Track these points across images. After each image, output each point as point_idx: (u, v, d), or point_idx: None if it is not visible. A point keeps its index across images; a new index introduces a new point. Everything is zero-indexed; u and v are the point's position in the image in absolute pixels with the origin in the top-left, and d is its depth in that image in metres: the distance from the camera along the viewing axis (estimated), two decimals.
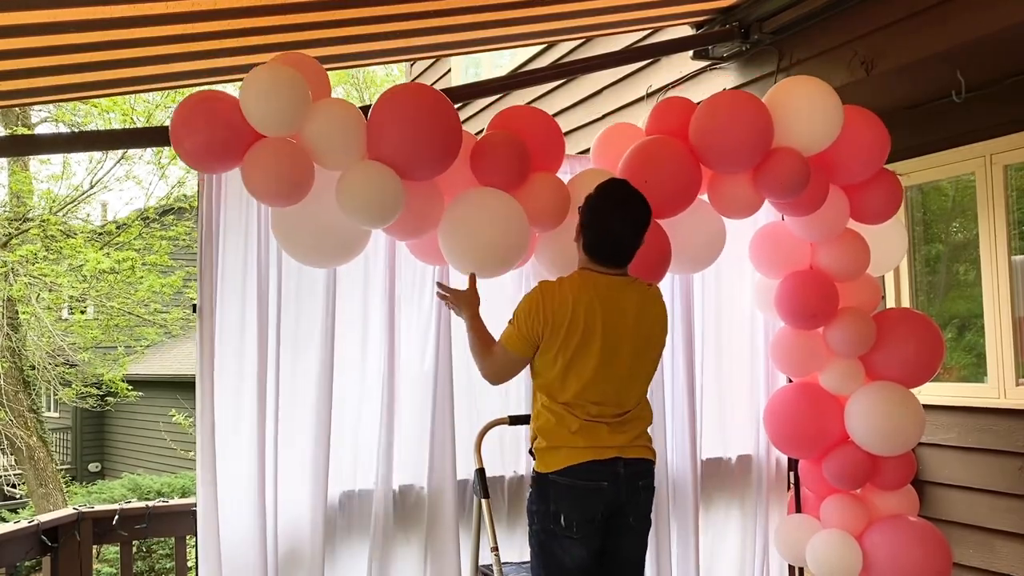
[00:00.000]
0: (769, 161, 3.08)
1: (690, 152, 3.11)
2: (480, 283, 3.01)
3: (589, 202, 2.74)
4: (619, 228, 2.71)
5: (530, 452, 2.78)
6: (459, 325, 3.26)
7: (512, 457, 3.47)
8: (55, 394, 14.19)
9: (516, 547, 3.38)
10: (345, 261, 2.98)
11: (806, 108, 3.12)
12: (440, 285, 3.05)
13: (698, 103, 3.19)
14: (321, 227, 2.81)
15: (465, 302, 2.94)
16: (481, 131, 3.08)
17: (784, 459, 3.85)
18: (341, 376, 3.16)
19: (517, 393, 3.43)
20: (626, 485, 2.68)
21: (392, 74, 18.82)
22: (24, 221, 12.26)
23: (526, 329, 2.68)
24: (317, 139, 2.66)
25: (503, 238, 2.92)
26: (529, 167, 2.99)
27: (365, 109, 2.87)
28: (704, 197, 3.28)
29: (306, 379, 3.10)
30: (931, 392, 3.73)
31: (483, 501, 3.06)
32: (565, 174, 3.25)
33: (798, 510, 3.68)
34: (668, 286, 3.57)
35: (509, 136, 2.99)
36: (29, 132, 11.72)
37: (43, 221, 12.12)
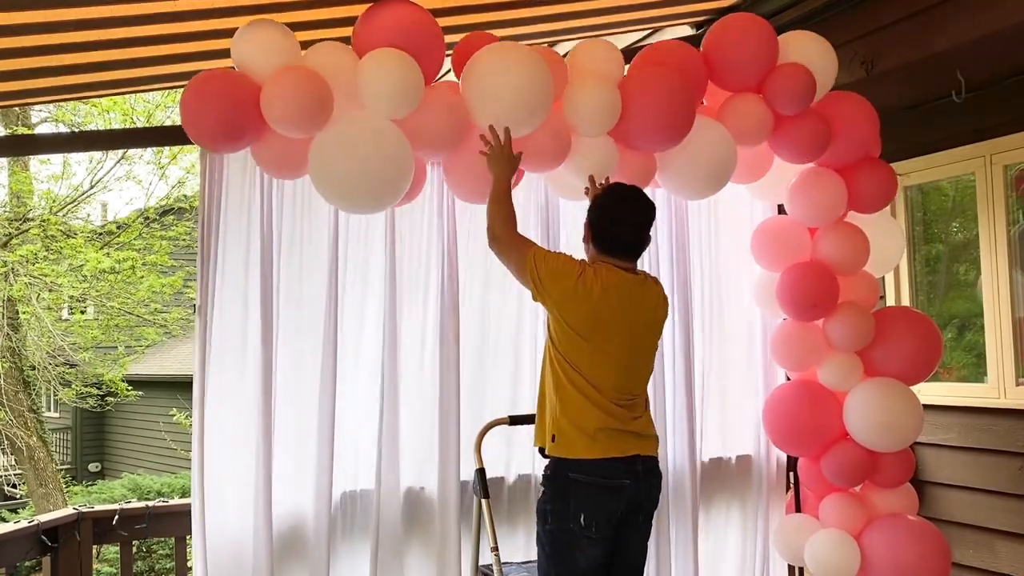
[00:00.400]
0: (777, 71, 3.25)
1: (701, 58, 3.25)
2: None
3: (596, 202, 2.82)
4: (629, 216, 2.77)
5: (540, 451, 2.77)
6: (464, 324, 3.27)
7: (513, 458, 3.46)
8: (55, 394, 14.17)
9: (517, 547, 3.38)
10: (395, 193, 2.81)
11: (807, 48, 3.31)
12: (491, 130, 2.86)
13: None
14: (360, 151, 2.71)
15: (509, 161, 2.84)
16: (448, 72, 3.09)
17: (784, 458, 3.85)
18: (343, 375, 3.16)
19: (524, 393, 3.43)
20: (644, 482, 2.71)
21: None
22: (24, 221, 12.25)
23: (547, 276, 2.67)
24: (315, 62, 2.72)
25: (530, 80, 2.83)
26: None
27: None
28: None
29: (308, 379, 3.10)
30: (931, 392, 3.73)
31: (483, 501, 3.06)
32: None
33: (797, 510, 3.68)
34: (668, 285, 3.56)
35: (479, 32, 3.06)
36: (29, 132, 11.71)
37: (43, 221, 12.11)
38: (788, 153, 3.39)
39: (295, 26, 3.09)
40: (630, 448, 2.68)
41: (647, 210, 2.79)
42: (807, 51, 3.32)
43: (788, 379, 3.77)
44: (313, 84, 2.66)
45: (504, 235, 2.78)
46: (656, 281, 2.90)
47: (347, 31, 2.96)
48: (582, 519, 2.62)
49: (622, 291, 2.70)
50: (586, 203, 2.92)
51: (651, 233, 2.84)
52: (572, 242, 3.37)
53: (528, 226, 3.49)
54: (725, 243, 3.79)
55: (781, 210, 3.74)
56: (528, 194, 3.48)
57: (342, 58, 2.78)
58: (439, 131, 2.88)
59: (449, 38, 3.00)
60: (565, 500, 2.65)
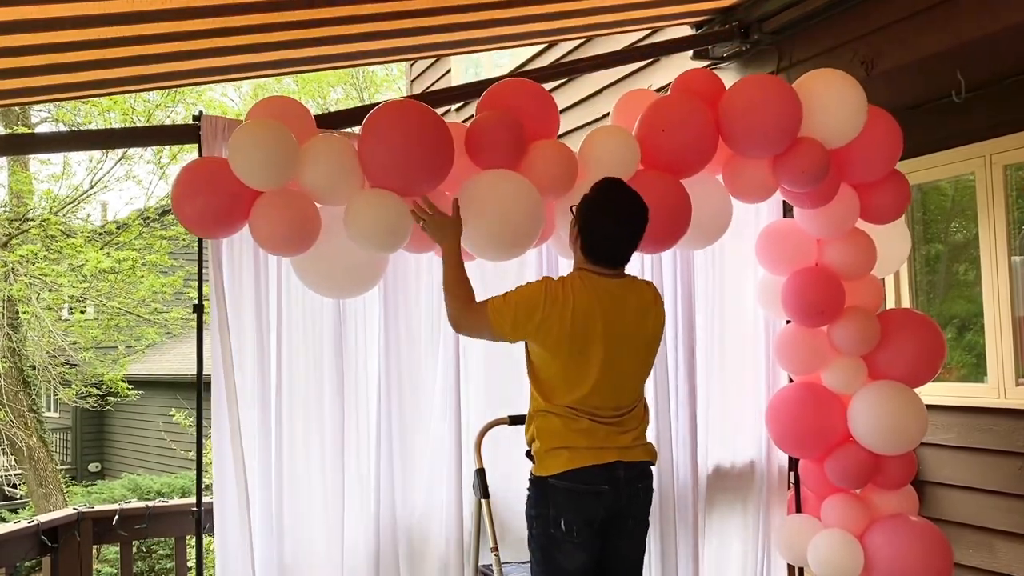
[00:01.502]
0: (793, 150, 3.09)
1: (714, 120, 3.10)
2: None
3: (586, 202, 2.69)
4: (617, 230, 2.67)
5: (527, 455, 2.76)
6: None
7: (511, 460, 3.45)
8: (55, 394, 14.20)
9: (518, 547, 3.37)
10: (373, 286, 3.00)
11: (835, 103, 3.12)
12: (424, 200, 2.76)
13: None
14: (340, 262, 2.83)
15: (450, 228, 2.74)
16: (470, 117, 3.05)
17: (785, 459, 3.84)
18: (350, 378, 3.14)
19: (523, 393, 3.42)
20: (626, 488, 2.67)
21: (392, 74, 18.82)
22: (24, 221, 12.27)
23: (520, 319, 2.61)
24: (313, 182, 2.69)
25: (515, 218, 2.85)
26: (525, 139, 2.94)
27: (365, 109, 2.87)
28: (719, 178, 3.30)
29: (313, 378, 3.08)
30: (931, 392, 3.73)
31: (483, 501, 3.06)
32: None
33: (798, 510, 3.68)
34: (670, 288, 3.57)
35: (497, 114, 2.94)
36: (29, 132, 11.71)
37: (43, 221, 12.13)
38: (797, 203, 3.34)
39: (292, 25, 3.09)
40: (609, 456, 2.63)
41: (634, 223, 2.67)
42: (832, 103, 3.11)
43: (791, 381, 3.76)
44: (298, 221, 2.67)
45: (464, 318, 2.71)
46: (648, 284, 2.81)
47: (348, 29, 2.95)
48: (562, 524, 2.60)
49: (598, 296, 2.63)
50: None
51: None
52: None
53: None
54: (729, 245, 3.77)
55: (786, 210, 3.71)
56: None
57: (335, 166, 2.71)
58: (418, 248, 2.98)
59: (451, 36, 2.99)
60: (546, 505, 2.64)
